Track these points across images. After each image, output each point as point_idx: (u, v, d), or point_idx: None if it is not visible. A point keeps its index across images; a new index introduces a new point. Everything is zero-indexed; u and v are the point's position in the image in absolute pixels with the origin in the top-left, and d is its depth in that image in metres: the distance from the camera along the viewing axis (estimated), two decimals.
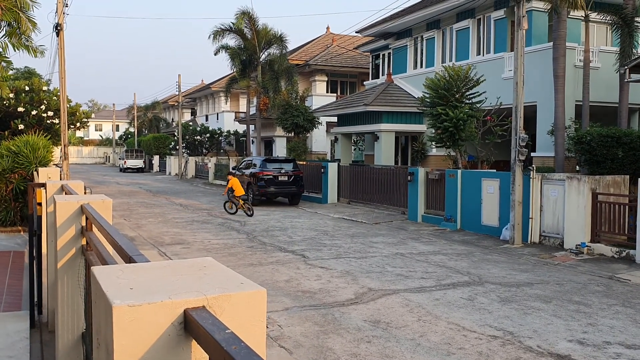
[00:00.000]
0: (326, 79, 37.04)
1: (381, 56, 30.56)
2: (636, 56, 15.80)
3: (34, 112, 22.81)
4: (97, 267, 1.51)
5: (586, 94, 17.86)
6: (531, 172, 13.94)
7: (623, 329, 7.14)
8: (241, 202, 18.92)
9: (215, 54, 33.00)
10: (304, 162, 25.96)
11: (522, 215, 13.74)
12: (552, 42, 17.67)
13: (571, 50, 18.83)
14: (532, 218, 13.79)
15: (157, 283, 1.36)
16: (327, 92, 36.82)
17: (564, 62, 16.88)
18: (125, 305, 1.21)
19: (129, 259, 1.88)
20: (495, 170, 16.92)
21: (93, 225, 3.27)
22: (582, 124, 17.70)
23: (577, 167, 17.65)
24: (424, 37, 26.43)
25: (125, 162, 52.34)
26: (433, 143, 19.03)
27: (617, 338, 6.80)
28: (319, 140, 35.09)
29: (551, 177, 13.79)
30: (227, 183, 19.97)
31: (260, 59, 32.18)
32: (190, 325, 1.24)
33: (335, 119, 29.76)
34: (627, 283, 9.77)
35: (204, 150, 48.91)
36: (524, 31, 13.80)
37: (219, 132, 48.21)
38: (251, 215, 18.44)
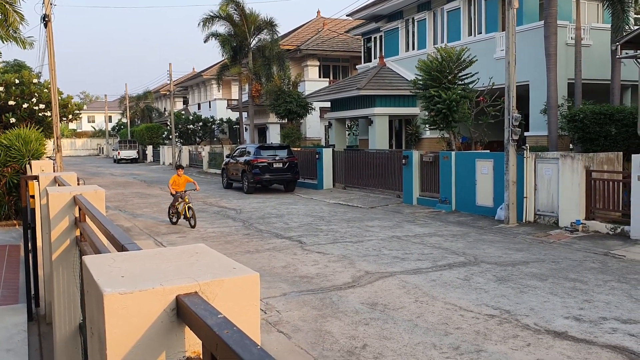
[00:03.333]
0: (318, 63, 36.82)
1: (373, 39, 30.39)
2: (628, 32, 15.75)
3: (25, 105, 22.59)
4: (88, 257, 1.49)
5: (578, 72, 17.85)
6: (525, 152, 13.96)
7: (619, 305, 7.20)
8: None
9: (205, 41, 32.74)
10: (299, 149, 25.91)
11: (516, 194, 13.78)
12: (543, 21, 17.61)
13: (562, 28, 18.76)
14: (526, 197, 13.84)
15: (149, 270, 1.35)
16: (320, 77, 36.62)
17: (555, 40, 16.83)
18: (116, 293, 1.20)
19: (121, 248, 1.87)
20: (489, 151, 16.94)
21: (86, 215, 3.26)
22: (575, 102, 17.71)
23: (571, 145, 17.69)
24: (415, 18, 26.28)
25: (119, 153, 52.16)
26: (427, 125, 19.00)
27: (613, 313, 6.86)
28: (312, 126, 34.99)
29: (545, 155, 13.81)
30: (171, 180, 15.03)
31: (251, 45, 31.96)
32: (183, 311, 1.23)
33: (328, 104, 29.66)
34: (622, 259, 9.84)
35: (197, 139, 48.76)
36: (515, 10, 13.75)
37: (211, 120, 48.02)
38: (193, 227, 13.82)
